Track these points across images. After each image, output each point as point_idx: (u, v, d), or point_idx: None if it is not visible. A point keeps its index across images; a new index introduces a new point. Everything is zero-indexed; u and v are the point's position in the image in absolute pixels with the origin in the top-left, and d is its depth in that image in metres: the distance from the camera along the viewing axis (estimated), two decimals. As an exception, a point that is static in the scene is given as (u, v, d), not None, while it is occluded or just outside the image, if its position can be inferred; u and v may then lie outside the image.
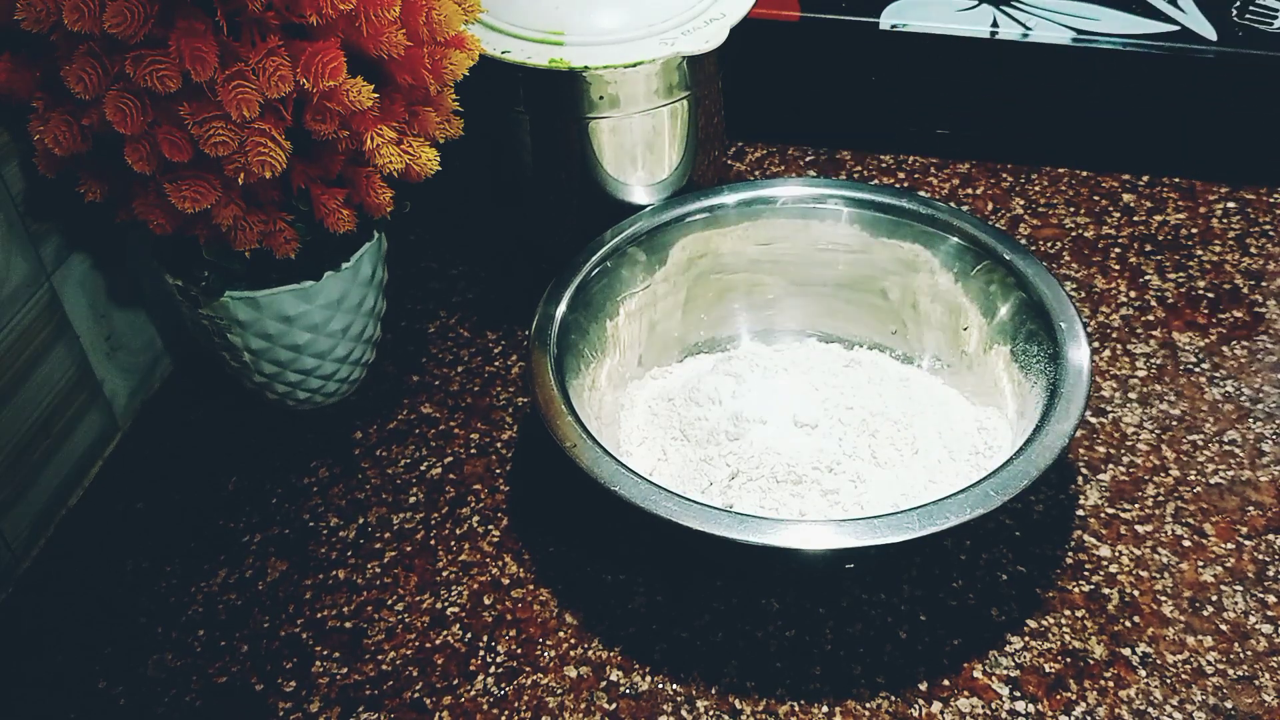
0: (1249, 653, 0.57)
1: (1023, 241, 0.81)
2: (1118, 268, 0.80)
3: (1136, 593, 0.60)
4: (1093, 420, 0.69)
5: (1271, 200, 0.85)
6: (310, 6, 0.53)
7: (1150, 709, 0.55)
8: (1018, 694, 0.56)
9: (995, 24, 0.83)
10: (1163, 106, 0.84)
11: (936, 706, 0.56)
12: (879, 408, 0.68)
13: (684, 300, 0.72)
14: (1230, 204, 0.84)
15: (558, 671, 0.58)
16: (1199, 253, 0.81)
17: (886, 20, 0.84)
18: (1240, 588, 0.60)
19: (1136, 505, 0.65)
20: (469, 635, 0.60)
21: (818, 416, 0.67)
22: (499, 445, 0.70)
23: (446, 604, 0.62)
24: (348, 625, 0.61)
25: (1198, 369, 0.72)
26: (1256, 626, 0.58)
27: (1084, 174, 0.87)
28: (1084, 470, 0.67)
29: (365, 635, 0.60)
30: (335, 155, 0.59)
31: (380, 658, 0.59)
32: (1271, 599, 0.59)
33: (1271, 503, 0.64)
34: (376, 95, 0.56)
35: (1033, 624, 0.59)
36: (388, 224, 0.66)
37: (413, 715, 0.57)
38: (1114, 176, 0.87)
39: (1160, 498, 0.65)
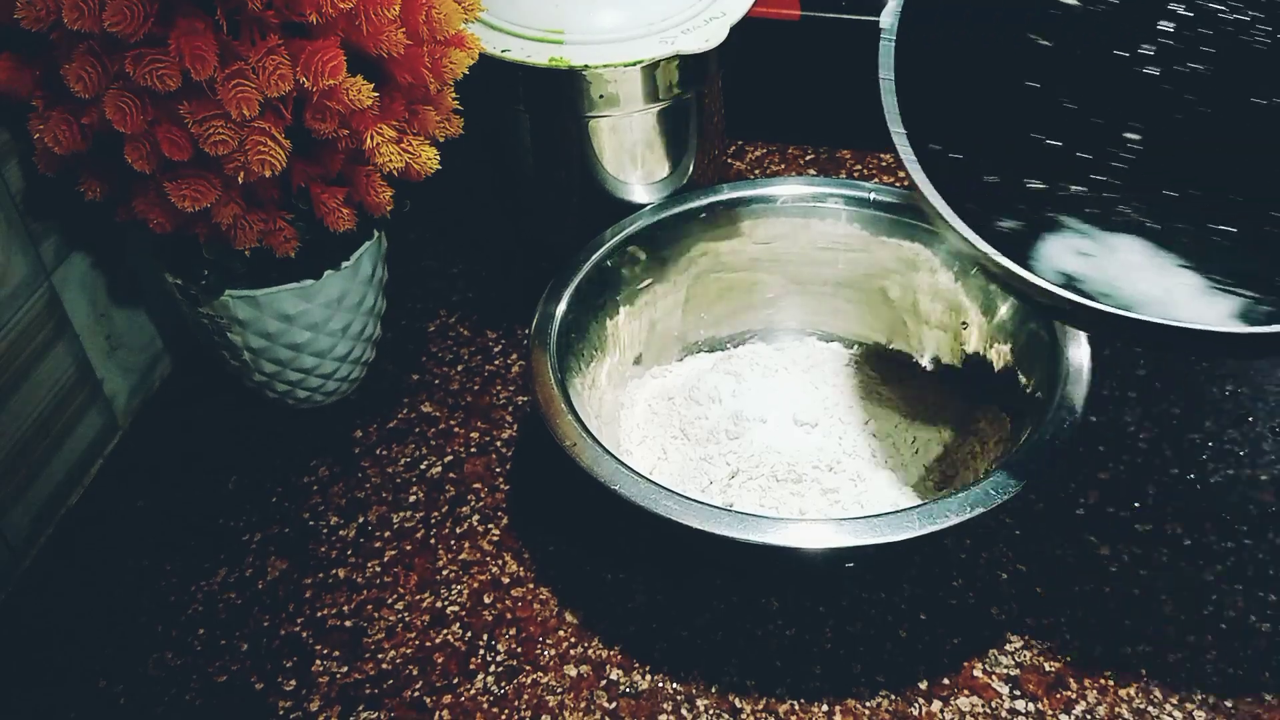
0: (1249, 652, 0.57)
1: (1023, 240, 0.81)
2: (1118, 267, 0.80)
3: (1136, 591, 0.60)
4: (1093, 419, 0.69)
5: (1272, 199, 0.84)
6: (310, 5, 0.53)
7: (1150, 708, 0.55)
8: (1018, 693, 0.56)
9: (995, 23, 0.83)
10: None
11: (936, 705, 0.56)
12: (878, 407, 0.68)
13: (684, 299, 0.72)
14: (1230, 203, 0.84)
15: (558, 670, 0.58)
16: (1199, 251, 0.81)
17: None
18: (1240, 587, 0.60)
19: (1136, 504, 0.65)
20: (469, 634, 0.60)
21: (818, 415, 0.67)
22: (499, 444, 0.70)
23: (446, 603, 0.62)
24: (348, 624, 0.61)
25: (1198, 367, 0.72)
26: (1256, 625, 0.58)
27: (1084, 173, 0.87)
28: (1084, 469, 0.67)
29: (365, 634, 0.60)
30: (335, 154, 0.59)
31: (380, 656, 0.59)
32: (1271, 598, 0.59)
33: (1271, 501, 0.64)
34: (376, 94, 0.56)
35: (1032, 623, 0.59)
36: (388, 223, 0.66)
37: (413, 714, 0.57)
38: (1114, 175, 0.87)
39: (1160, 496, 0.65)
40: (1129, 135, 0.57)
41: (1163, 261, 0.55)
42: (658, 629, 0.60)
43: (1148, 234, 0.56)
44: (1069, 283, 0.54)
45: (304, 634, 0.61)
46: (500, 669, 0.58)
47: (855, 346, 0.73)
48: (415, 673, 0.58)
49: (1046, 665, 0.57)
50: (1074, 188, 0.58)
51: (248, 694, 0.58)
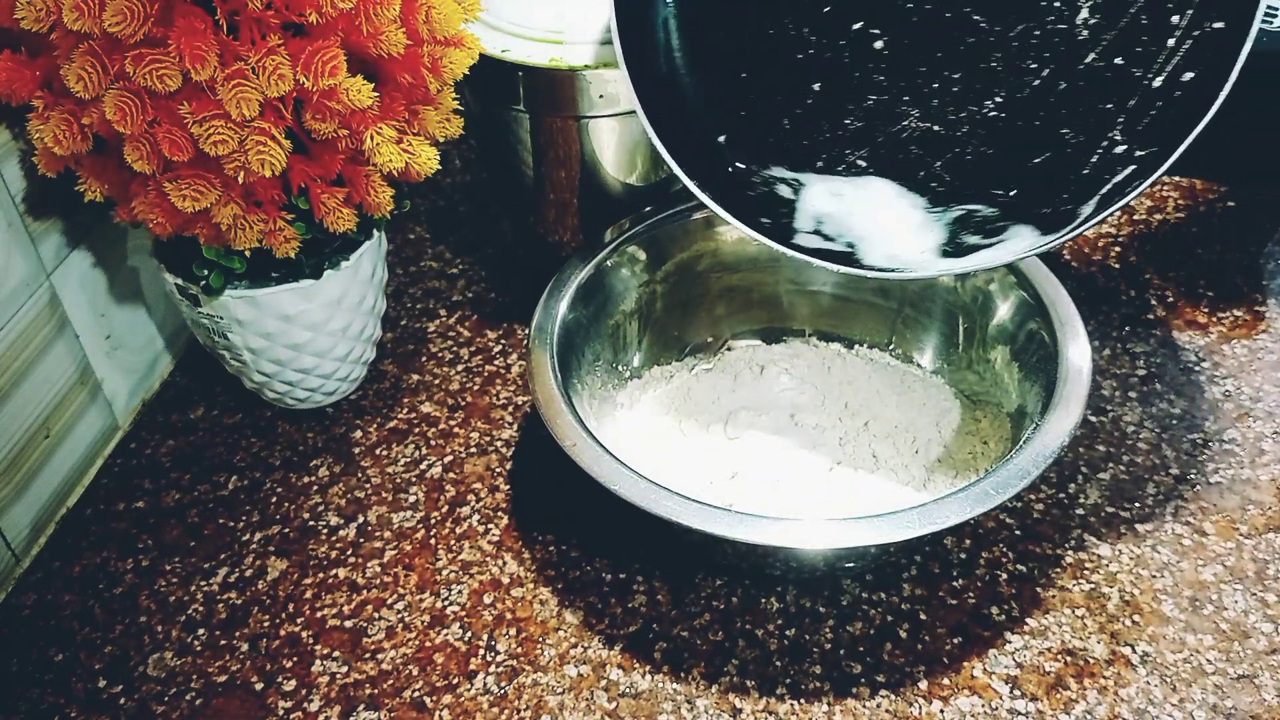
0: (1249, 651, 0.57)
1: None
2: (1118, 266, 0.80)
3: (1136, 591, 0.60)
4: (1093, 419, 0.69)
5: (1271, 199, 0.85)
6: (310, 5, 0.53)
7: (1150, 708, 0.55)
8: (1018, 693, 0.56)
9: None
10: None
11: (936, 705, 0.56)
12: (878, 407, 0.68)
13: (684, 299, 0.72)
14: (1230, 203, 0.84)
15: (558, 670, 0.58)
16: (1199, 251, 0.81)
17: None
18: (1240, 586, 0.60)
19: (1136, 504, 0.65)
20: (469, 634, 0.60)
21: (817, 415, 0.67)
22: (499, 444, 0.70)
23: (446, 603, 0.62)
24: (348, 624, 0.61)
25: (1197, 368, 0.72)
26: (1256, 625, 0.58)
27: (1084, 173, 0.87)
28: (1084, 469, 0.67)
29: (365, 634, 0.60)
30: (335, 154, 0.59)
31: (380, 657, 0.59)
32: (1271, 598, 0.59)
33: (1271, 501, 0.64)
34: (376, 94, 0.56)
35: (1032, 623, 0.59)
36: (388, 223, 0.66)
37: (413, 714, 0.57)
38: (1114, 175, 0.87)
39: (1160, 496, 0.65)
40: (876, 45, 0.62)
41: (905, 200, 0.61)
42: (658, 629, 0.60)
43: (899, 175, 0.61)
44: (818, 226, 0.61)
45: (304, 634, 0.61)
46: (500, 669, 0.58)
47: (855, 346, 0.73)
48: (415, 673, 0.58)
49: (1046, 665, 0.57)
50: (839, 127, 0.63)
51: (248, 694, 0.58)
